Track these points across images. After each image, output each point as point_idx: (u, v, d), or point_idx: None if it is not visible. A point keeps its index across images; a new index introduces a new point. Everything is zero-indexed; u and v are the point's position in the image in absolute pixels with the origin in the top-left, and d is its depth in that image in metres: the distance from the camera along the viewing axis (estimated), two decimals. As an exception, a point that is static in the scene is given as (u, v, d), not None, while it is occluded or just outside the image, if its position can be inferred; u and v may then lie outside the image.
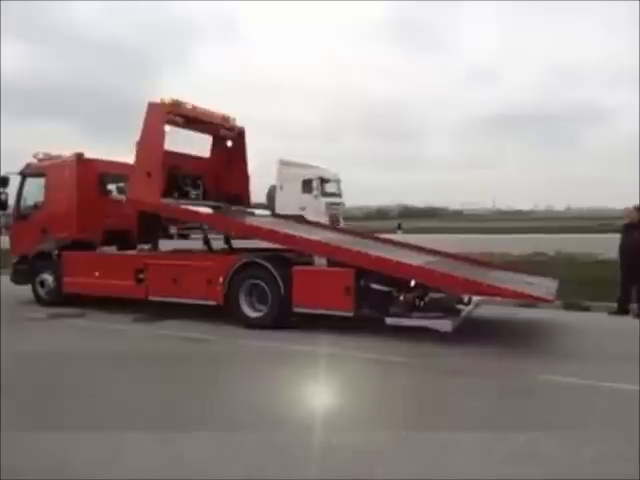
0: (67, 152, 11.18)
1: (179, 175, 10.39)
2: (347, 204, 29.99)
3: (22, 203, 11.19)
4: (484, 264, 9.95)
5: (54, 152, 11.47)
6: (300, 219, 12.06)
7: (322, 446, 3.73)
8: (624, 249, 9.50)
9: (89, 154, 10.87)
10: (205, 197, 10.86)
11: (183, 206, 9.67)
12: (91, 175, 10.67)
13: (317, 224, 12.01)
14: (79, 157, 10.60)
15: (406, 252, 9.53)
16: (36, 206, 11.04)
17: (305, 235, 8.84)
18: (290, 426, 4.12)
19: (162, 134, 9.41)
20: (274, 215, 11.57)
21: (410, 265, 7.77)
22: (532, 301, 7.89)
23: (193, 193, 10.65)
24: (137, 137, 9.57)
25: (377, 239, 11.28)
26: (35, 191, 11.06)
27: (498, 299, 8.37)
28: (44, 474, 3.51)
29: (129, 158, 9.96)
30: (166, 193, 9.64)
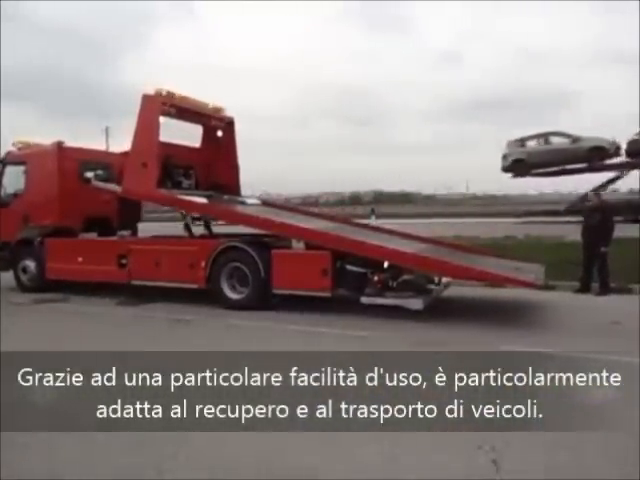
0: (43, 140, 11.41)
1: (172, 165, 10.55)
2: (318, 190, 30.26)
3: (3, 191, 11.29)
4: (470, 250, 10.31)
5: (33, 140, 11.65)
6: (285, 207, 12.47)
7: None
8: (586, 231, 10.05)
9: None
10: (196, 187, 11.06)
11: (179, 196, 9.89)
12: (71, 163, 10.81)
13: (304, 212, 12.32)
14: (59, 145, 10.75)
15: (397, 239, 9.88)
16: (16, 194, 11.16)
17: (300, 224, 9.17)
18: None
19: (157, 125, 9.59)
20: (264, 203, 11.87)
21: (399, 250, 8.19)
22: (522, 286, 8.03)
23: (185, 183, 10.82)
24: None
25: (367, 227, 11.59)
26: (15, 179, 11.19)
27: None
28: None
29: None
30: (160, 183, 9.81)
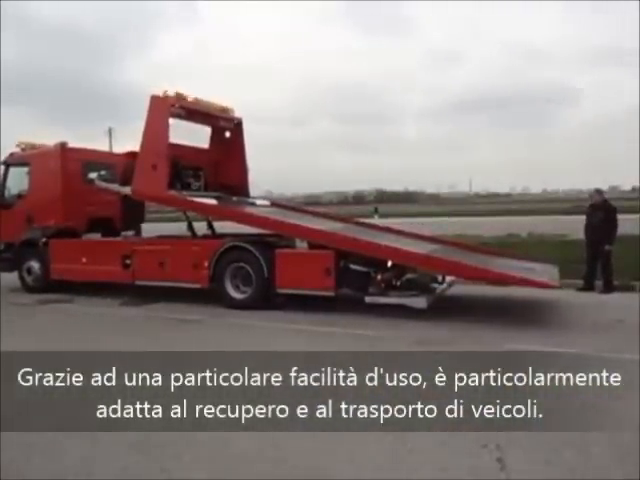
0: (48, 141, 11.41)
1: (181, 166, 10.46)
2: (323, 189, 30.63)
3: (6, 192, 11.31)
4: (478, 250, 10.21)
5: (36, 142, 11.66)
6: (294, 207, 12.42)
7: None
8: (589, 230, 10.00)
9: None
10: (205, 188, 10.98)
11: (189, 198, 9.82)
12: (75, 164, 10.84)
13: (313, 212, 12.26)
14: (63, 146, 10.76)
15: (404, 239, 9.80)
16: (20, 195, 11.17)
17: (310, 225, 9.11)
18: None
19: (167, 127, 9.53)
20: (273, 204, 11.81)
21: (411, 251, 8.15)
22: (538, 287, 7.91)
23: (195, 184, 10.72)
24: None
25: (375, 227, 11.50)
26: (19, 180, 11.21)
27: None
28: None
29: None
30: (170, 185, 9.73)
